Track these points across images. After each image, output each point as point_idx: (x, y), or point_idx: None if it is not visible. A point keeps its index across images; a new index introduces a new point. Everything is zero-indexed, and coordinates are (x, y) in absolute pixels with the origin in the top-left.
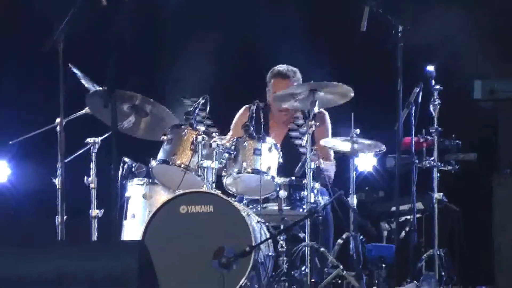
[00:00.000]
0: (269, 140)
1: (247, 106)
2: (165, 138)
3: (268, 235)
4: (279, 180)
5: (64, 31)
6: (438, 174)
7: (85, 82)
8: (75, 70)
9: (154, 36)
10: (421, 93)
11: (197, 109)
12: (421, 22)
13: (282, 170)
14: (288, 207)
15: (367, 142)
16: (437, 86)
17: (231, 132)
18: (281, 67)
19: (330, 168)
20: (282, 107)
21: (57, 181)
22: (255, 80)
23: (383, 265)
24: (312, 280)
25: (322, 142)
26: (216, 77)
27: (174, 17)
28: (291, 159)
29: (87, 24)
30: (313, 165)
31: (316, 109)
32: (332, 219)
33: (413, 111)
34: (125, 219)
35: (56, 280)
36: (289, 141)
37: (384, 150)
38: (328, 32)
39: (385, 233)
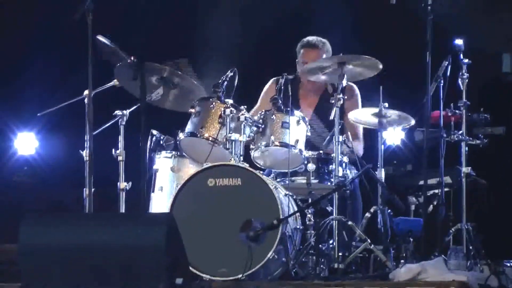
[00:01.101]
0: (297, 113)
1: (274, 79)
2: (193, 110)
3: (296, 209)
4: (307, 153)
5: (94, 1)
6: (466, 148)
7: (114, 49)
8: (104, 40)
9: (183, 8)
10: (449, 67)
11: (225, 82)
12: None
13: (311, 143)
14: (316, 181)
15: (396, 113)
16: (466, 60)
17: (258, 104)
18: (311, 37)
19: (358, 146)
20: (311, 79)
21: (85, 153)
22: (283, 53)
23: (411, 239)
24: (340, 253)
25: (351, 115)
26: (245, 49)
27: None
28: (320, 132)
29: None
30: (341, 139)
31: (344, 83)
32: (359, 192)
33: (442, 84)
34: (153, 191)
35: (84, 252)
36: (318, 114)
37: (413, 124)
38: (357, 5)
39: (413, 207)
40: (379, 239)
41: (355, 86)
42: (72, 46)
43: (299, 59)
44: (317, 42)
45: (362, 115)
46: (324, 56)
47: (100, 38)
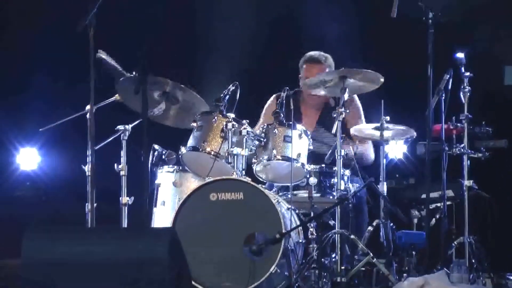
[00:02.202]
0: (299, 126)
1: (276, 95)
2: (195, 125)
3: (298, 222)
4: (309, 167)
5: (96, 16)
6: (469, 161)
7: (115, 67)
8: (105, 56)
9: (185, 22)
10: (451, 80)
11: (227, 96)
12: (452, 8)
13: (313, 157)
14: (318, 194)
15: (398, 127)
16: (467, 73)
17: (260, 121)
18: (313, 52)
19: (367, 149)
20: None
21: (87, 168)
22: (285, 67)
23: (413, 252)
24: (342, 267)
25: (353, 130)
26: (247, 64)
27: (206, 2)
28: (322, 145)
29: (119, 8)
30: (343, 152)
31: (346, 96)
32: (366, 205)
33: (443, 98)
34: (155, 206)
35: (86, 266)
36: (320, 128)
37: (415, 137)
38: (359, 19)
39: (416, 220)
40: (381, 253)
41: (355, 96)
42: (74, 61)
43: (302, 75)
44: (320, 57)
45: (364, 129)
46: (327, 70)
47: (102, 54)
